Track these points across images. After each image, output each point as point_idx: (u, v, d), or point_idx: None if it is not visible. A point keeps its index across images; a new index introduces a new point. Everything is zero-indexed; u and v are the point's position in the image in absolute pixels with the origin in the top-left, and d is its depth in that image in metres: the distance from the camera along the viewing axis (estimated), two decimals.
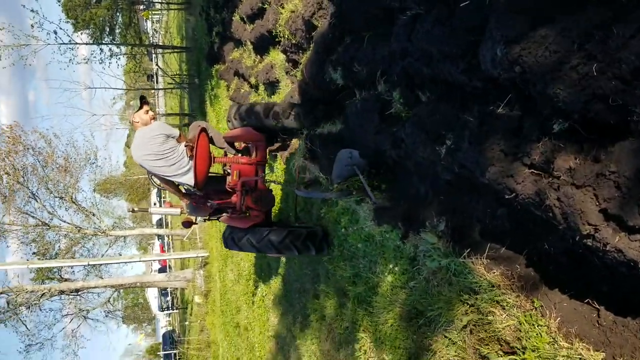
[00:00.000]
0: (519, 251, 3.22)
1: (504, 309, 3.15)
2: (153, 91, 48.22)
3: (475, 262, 3.31)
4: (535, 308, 2.97)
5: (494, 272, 3.23)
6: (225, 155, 6.81)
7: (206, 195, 6.54)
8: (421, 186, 4.30)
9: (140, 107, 6.25)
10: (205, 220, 7.45)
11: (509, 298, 3.12)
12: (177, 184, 6.41)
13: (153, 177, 6.41)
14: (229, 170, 6.62)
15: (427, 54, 3.56)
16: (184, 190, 6.62)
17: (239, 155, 6.71)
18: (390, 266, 4.48)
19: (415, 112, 3.79)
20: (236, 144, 6.88)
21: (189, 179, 6.11)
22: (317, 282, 6.60)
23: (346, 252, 5.64)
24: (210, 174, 6.43)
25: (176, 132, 6.16)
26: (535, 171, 2.61)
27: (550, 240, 2.96)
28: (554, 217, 2.50)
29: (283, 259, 8.25)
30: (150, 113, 6.23)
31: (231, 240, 6.53)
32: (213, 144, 6.58)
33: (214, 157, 6.41)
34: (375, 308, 4.70)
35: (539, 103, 2.64)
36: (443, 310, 3.57)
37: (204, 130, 6.18)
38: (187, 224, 7.52)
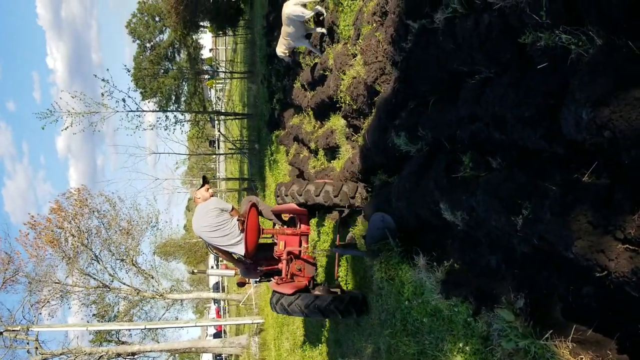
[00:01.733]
0: (609, 335, 2.89)
1: None
2: (214, 156, 49.52)
3: (559, 345, 2.98)
4: None
5: (582, 358, 2.89)
6: (274, 226, 7.45)
7: (256, 261, 7.13)
8: (492, 258, 4.02)
9: (202, 186, 7.05)
10: (257, 281, 8.07)
11: None
12: (230, 252, 6.96)
13: (210, 246, 6.98)
14: (276, 240, 7.20)
15: (499, 118, 3.38)
16: (236, 257, 7.10)
17: (285, 227, 7.34)
18: (460, 345, 4.15)
19: (487, 179, 3.56)
20: (283, 215, 7.49)
21: (240, 249, 6.75)
22: (377, 357, 6.26)
23: (410, 326, 5.32)
24: (260, 241, 7.03)
25: (229, 206, 6.89)
26: (631, 246, 2.33)
27: None
28: None
29: (342, 331, 7.95)
30: (210, 190, 7.02)
31: (280, 305, 6.77)
32: (262, 216, 7.22)
33: (263, 229, 6.97)
34: None
35: (632, 170, 2.39)
36: None
37: (254, 205, 6.89)
38: (241, 284, 8.15)
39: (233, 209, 6.90)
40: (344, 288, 7.50)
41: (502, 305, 3.47)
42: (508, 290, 3.51)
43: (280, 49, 9.81)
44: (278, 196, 7.10)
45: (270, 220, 7.51)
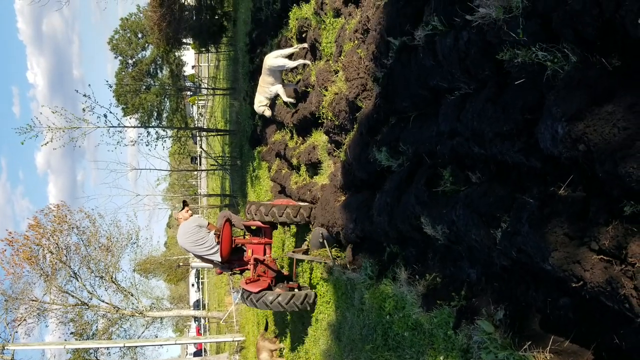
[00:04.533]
0: (585, 345, 2.93)
1: None
2: (196, 173, 49.30)
3: (537, 356, 3.01)
4: None
5: None
6: (244, 235, 9.21)
7: (230, 264, 8.92)
8: (472, 271, 4.07)
9: (183, 208, 8.70)
10: (231, 274, 10.15)
11: None
12: (210, 259, 8.62)
13: (194, 256, 8.80)
14: (244, 248, 8.94)
15: (478, 133, 3.44)
16: (215, 261, 8.74)
17: (252, 236, 9.05)
18: (441, 358, 4.16)
19: (467, 193, 3.62)
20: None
21: (217, 257, 8.48)
22: None
23: (391, 341, 5.33)
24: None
25: (205, 222, 8.60)
26: (606, 257, 2.38)
27: (622, 334, 2.68)
28: (630, 308, 2.26)
29: (322, 347, 7.93)
30: (190, 212, 8.61)
31: (249, 301, 8.35)
32: (234, 226, 8.91)
33: (235, 239, 8.77)
34: None
35: (606, 183, 2.45)
36: None
37: (228, 220, 8.55)
38: (219, 273, 9.85)
39: (209, 224, 8.57)
40: (302, 285, 9.08)
41: (482, 318, 3.51)
42: (488, 302, 3.56)
43: (259, 103, 9.92)
44: (248, 213, 8.62)
45: (240, 229, 9.23)
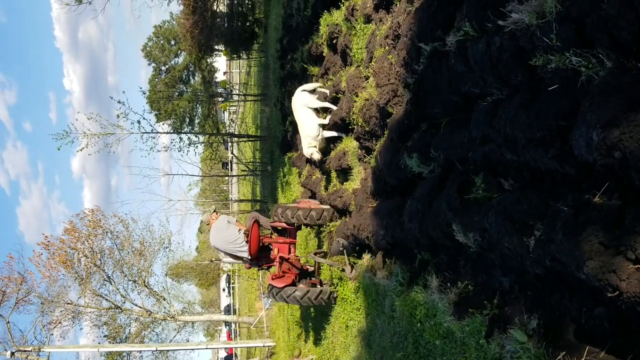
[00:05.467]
0: (621, 356, 2.86)
1: None
2: (227, 178, 49.73)
3: None
4: None
5: None
6: (271, 235, 9.84)
7: (258, 261, 9.76)
8: (505, 280, 4.01)
9: (213, 212, 9.87)
10: (259, 269, 10.76)
11: None
12: (239, 256, 9.66)
13: (225, 254, 10.04)
14: (271, 247, 9.64)
15: (511, 139, 3.40)
16: (244, 258, 9.71)
17: (278, 236, 9.74)
18: None
19: (500, 200, 3.57)
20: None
21: (246, 254, 9.42)
22: None
23: (422, 349, 5.29)
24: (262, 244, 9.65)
25: (233, 219, 9.83)
26: None
27: None
28: None
29: (353, 354, 7.91)
30: (217, 214, 9.84)
31: (278, 296, 9.14)
32: (262, 227, 9.71)
33: (262, 238, 9.58)
34: None
35: None
36: None
37: (256, 221, 9.41)
38: (248, 267, 10.78)
39: (237, 221, 9.85)
40: (324, 282, 9.63)
41: (515, 327, 3.46)
42: (521, 311, 3.50)
43: (308, 145, 9.59)
44: (275, 215, 9.35)
45: (268, 229, 9.89)
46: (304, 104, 9.24)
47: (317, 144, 9.59)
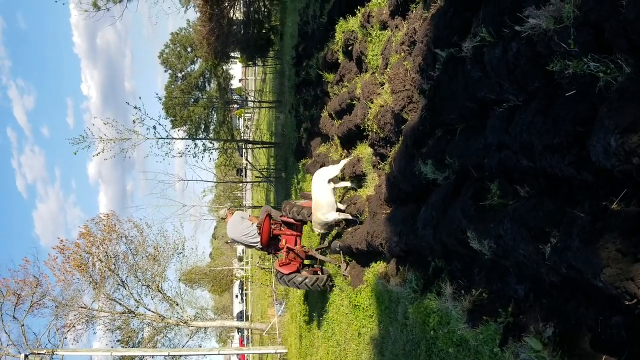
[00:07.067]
0: None
1: None
2: (241, 185, 49.88)
3: None
4: None
5: None
6: (280, 228, 10.86)
7: (268, 248, 11.09)
8: (520, 287, 3.97)
9: (228, 210, 11.46)
10: (269, 253, 12.12)
11: None
12: (253, 245, 10.99)
13: (240, 244, 11.74)
14: (280, 237, 10.82)
15: (527, 146, 3.37)
16: (256, 247, 11.06)
17: (286, 228, 10.83)
18: None
19: (515, 207, 3.54)
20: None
21: (258, 244, 10.76)
22: None
23: (435, 357, 5.24)
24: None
25: (246, 214, 11.42)
26: None
27: None
28: None
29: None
30: (232, 211, 11.31)
31: (282, 280, 10.59)
32: (272, 219, 10.74)
33: (273, 230, 10.67)
34: None
35: None
36: None
37: (268, 214, 10.66)
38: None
39: (249, 216, 11.21)
40: (323, 271, 10.92)
41: (530, 335, 3.42)
42: (536, 319, 3.46)
43: (317, 229, 9.58)
44: (284, 211, 10.34)
45: (277, 222, 10.87)
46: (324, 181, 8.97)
47: (324, 229, 9.55)
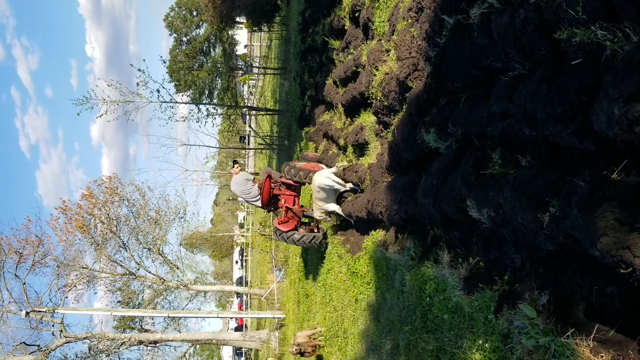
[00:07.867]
0: (631, 335, 2.85)
1: None
2: (244, 151, 49.84)
3: (580, 343, 2.95)
4: None
5: (602, 357, 2.86)
6: (280, 189, 11.45)
7: (269, 206, 11.72)
8: (517, 256, 4.00)
9: (233, 166, 11.98)
10: (268, 211, 13.84)
11: None
12: (254, 204, 11.74)
13: (242, 198, 11.96)
14: (279, 197, 11.45)
15: (530, 114, 3.35)
16: (257, 205, 11.71)
17: (286, 188, 11.40)
18: (480, 342, 4.13)
19: (516, 176, 3.54)
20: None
21: (259, 203, 11.43)
22: (396, 353, 6.26)
23: (430, 323, 5.31)
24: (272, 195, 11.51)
25: (251, 177, 11.70)
26: None
27: None
28: None
29: (361, 327, 7.96)
30: (239, 168, 11.76)
31: (281, 237, 11.14)
32: (273, 179, 11.32)
33: (272, 190, 11.33)
34: None
35: None
36: None
37: (269, 175, 11.21)
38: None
39: (254, 178, 11.57)
40: (321, 228, 11.46)
41: (525, 302, 3.45)
42: (532, 288, 3.49)
43: (317, 214, 9.99)
44: (282, 171, 10.80)
45: (277, 182, 11.41)
46: (319, 184, 9.14)
47: (324, 215, 9.95)
